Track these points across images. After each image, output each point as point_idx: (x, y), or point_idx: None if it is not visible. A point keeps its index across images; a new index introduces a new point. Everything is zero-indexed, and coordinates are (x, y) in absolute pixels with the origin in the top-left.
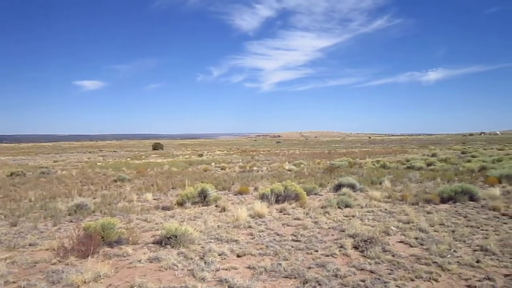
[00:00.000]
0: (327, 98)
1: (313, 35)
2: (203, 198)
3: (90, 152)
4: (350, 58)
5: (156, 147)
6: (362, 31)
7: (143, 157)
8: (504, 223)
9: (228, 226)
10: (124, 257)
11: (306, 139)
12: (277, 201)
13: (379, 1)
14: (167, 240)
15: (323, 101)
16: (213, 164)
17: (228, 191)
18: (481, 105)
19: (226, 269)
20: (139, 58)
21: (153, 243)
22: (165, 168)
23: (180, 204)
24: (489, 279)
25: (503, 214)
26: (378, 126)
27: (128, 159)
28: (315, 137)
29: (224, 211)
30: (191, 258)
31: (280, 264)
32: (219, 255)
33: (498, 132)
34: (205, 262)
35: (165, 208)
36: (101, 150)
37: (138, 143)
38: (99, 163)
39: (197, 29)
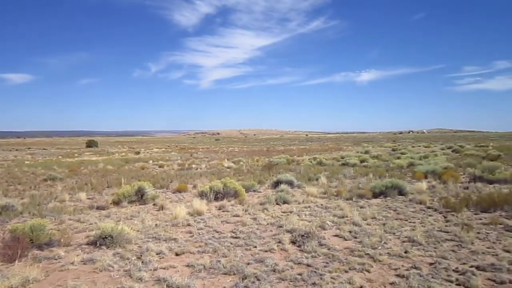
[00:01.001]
0: (266, 96)
1: (252, 34)
2: (140, 196)
3: (17, 150)
4: (288, 57)
5: (90, 144)
6: (300, 31)
7: (76, 155)
8: (430, 215)
9: (167, 225)
10: (56, 259)
11: (245, 137)
12: (216, 199)
13: (316, 3)
14: (102, 241)
15: (262, 99)
16: (150, 162)
17: (167, 189)
18: (410, 105)
19: (165, 268)
20: (71, 51)
21: (87, 244)
22: (100, 166)
23: (116, 203)
24: (416, 267)
25: (429, 207)
26: (315, 124)
27: (60, 157)
28: (254, 134)
29: (162, 209)
30: (128, 258)
31: (219, 261)
32: (157, 254)
33: (425, 131)
34: (142, 262)
35: (100, 208)
36: (30, 148)
37: (71, 140)
38: (27, 162)
39: (133, 23)
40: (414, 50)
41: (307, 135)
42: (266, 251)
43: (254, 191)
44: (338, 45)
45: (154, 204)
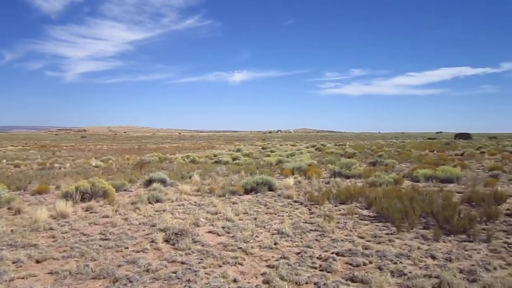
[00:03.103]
0: (137, 93)
1: (123, 27)
2: None
3: None
4: (161, 53)
5: None
6: (174, 28)
7: None
8: (296, 208)
9: (25, 230)
10: None
11: (115, 134)
12: (83, 200)
13: (190, 0)
14: None
15: (133, 96)
16: (4, 161)
17: (24, 191)
18: (278, 105)
19: (23, 278)
20: None
21: None
22: None
23: None
24: (284, 257)
25: (295, 201)
26: (189, 123)
27: None
28: (125, 132)
29: (19, 213)
30: None
31: (87, 265)
32: (13, 263)
33: (291, 131)
34: None
35: None
36: None
37: None
38: None
39: None
40: (283, 54)
41: (180, 133)
42: (138, 252)
43: (125, 190)
44: (212, 45)
45: (9, 208)
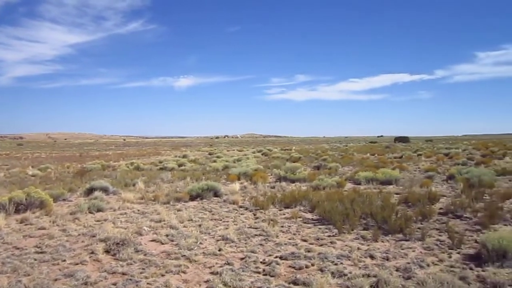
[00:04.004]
0: (78, 98)
1: (63, 29)
2: None
3: None
4: (104, 57)
5: None
6: (117, 32)
7: None
8: (241, 214)
9: None
10: None
11: (55, 141)
12: (17, 211)
13: (134, 4)
14: None
15: (74, 101)
16: None
17: None
18: (225, 111)
19: None
20: None
21: None
22: None
23: None
24: (228, 263)
25: (241, 207)
26: (134, 129)
27: None
28: (65, 139)
29: None
30: None
31: (20, 281)
32: None
33: (238, 136)
34: None
35: None
36: None
37: None
38: None
39: None
40: (229, 60)
41: (124, 139)
42: (77, 264)
43: (64, 200)
44: (157, 50)
45: None
